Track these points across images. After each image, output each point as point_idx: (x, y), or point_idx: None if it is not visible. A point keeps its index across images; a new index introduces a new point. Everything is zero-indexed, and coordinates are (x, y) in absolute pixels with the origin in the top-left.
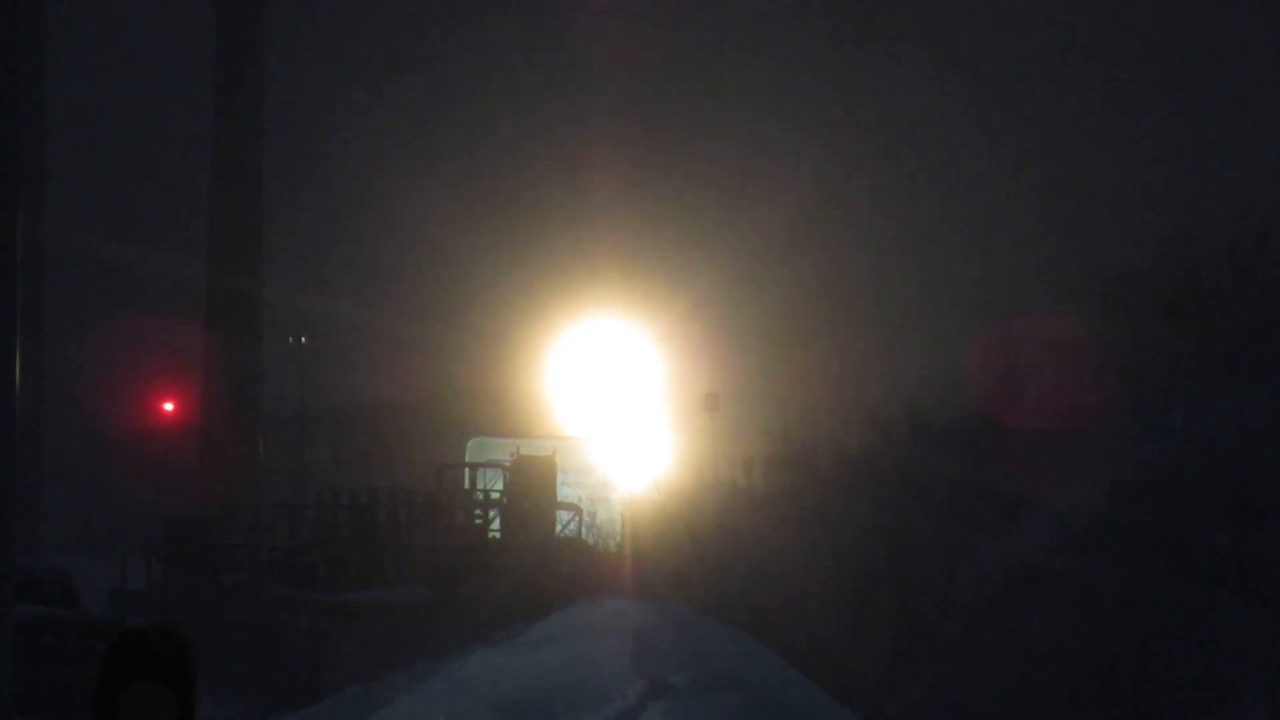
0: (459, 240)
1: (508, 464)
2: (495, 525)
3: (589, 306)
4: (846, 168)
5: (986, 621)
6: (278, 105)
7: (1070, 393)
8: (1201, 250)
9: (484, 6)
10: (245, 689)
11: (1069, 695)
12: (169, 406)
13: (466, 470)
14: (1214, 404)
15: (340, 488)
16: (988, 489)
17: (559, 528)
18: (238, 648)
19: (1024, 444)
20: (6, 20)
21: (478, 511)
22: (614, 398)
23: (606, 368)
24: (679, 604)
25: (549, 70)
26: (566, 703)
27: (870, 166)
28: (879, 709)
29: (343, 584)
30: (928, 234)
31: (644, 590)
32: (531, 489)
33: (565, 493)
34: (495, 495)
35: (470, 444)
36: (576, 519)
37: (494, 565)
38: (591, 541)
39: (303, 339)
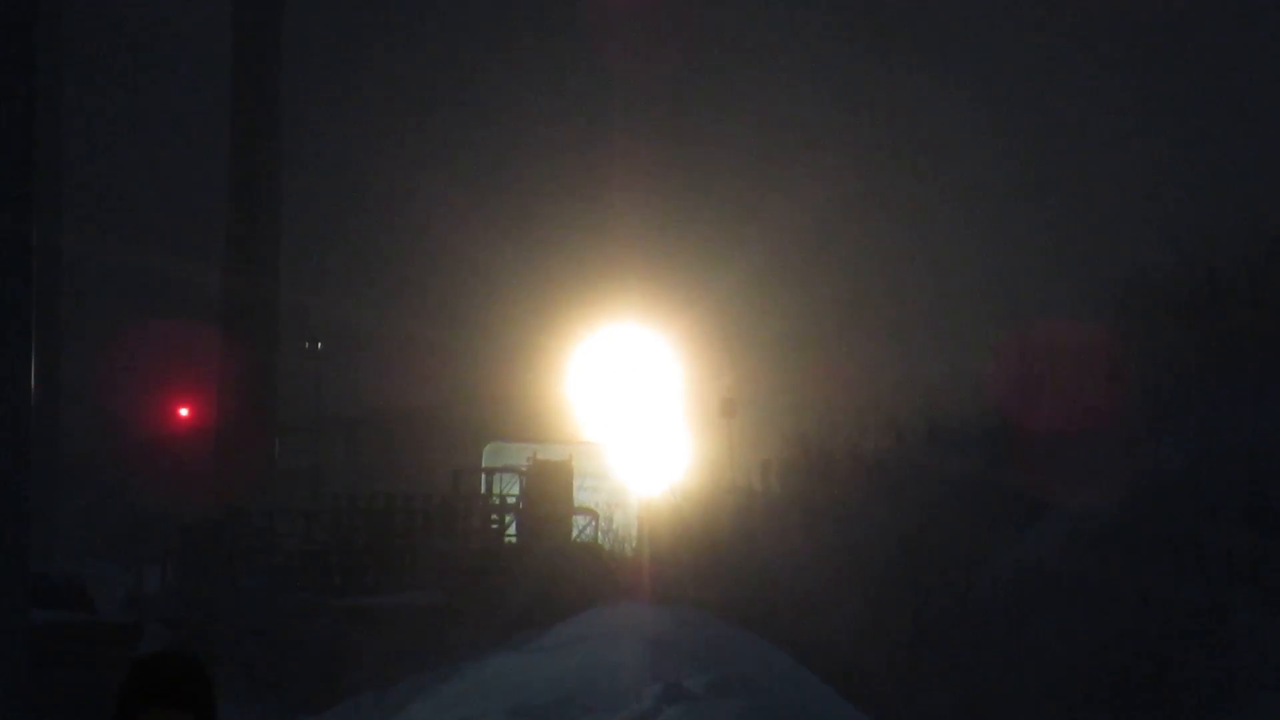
0: (478, 246)
1: (524, 469)
2: (511, 530)
3: (607, 313)
4: (863, 173)
5: (1002, 625)
6: (296, 111)
7: (1086, 396)
8: (1218, 254)
9: (509, 18)
10: (262, 693)
11: (1084, 699)
12: (185, 411)
13: (483, 475)
14: (1230, 407)
15: (357, 492)
16: (1004, 492)
17: (575, 532)
18: (254, 652)
19: (1040, 447)
20: (22, 28)
21: (494, 516)
22: (631, 403)
23: (624, 373)
24: (695, 608)
25: (572, 81)
26: (582, 707)
27: (886, 172)
28: (894, 713)
29: (359, 588)
30: (944, 238)
31: (660, 594)
32: (548, 494)
33: (582, 497)
34: (512, 500)
35: (487, 449)
36: (593, 523)
37: (510, 570)
38: (608, 546)
39: (319, 344)
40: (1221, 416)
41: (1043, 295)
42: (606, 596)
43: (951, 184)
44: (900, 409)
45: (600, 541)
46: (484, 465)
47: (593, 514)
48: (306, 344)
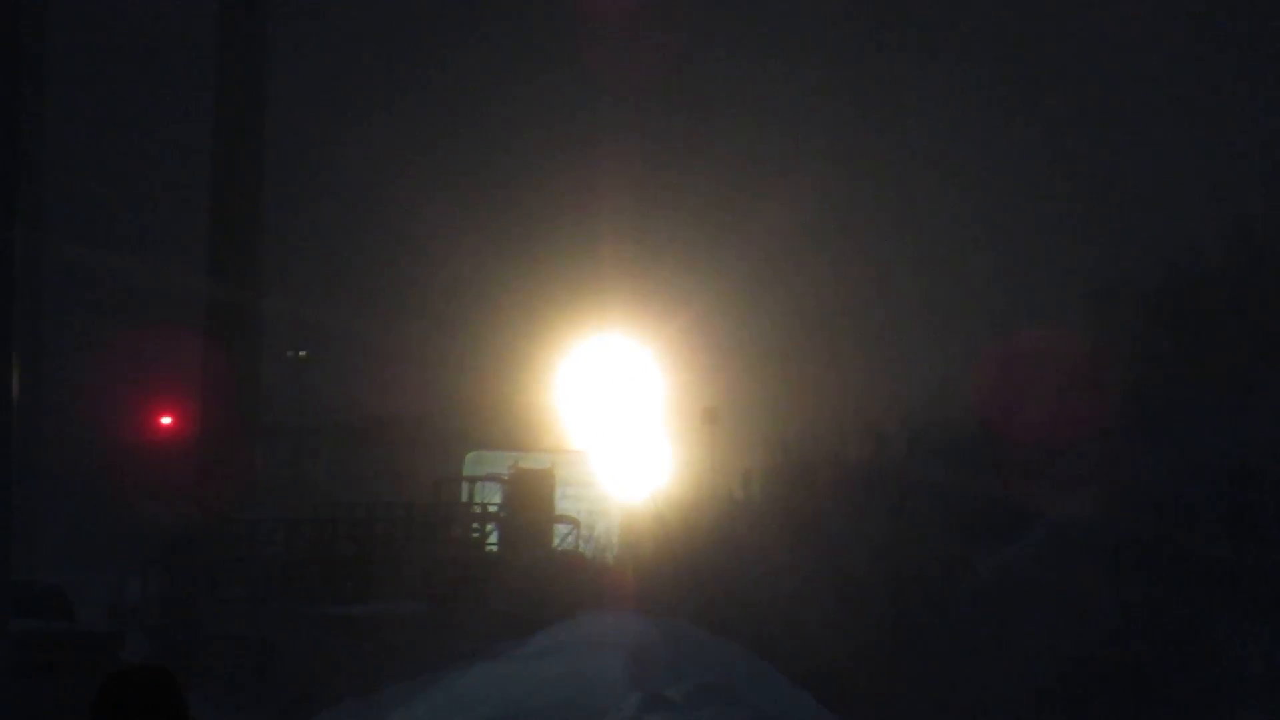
0: (461, 254)
1: (506, 477)
2: (493, 539)
3: (591, 321)
4: (845, 183)
5: (982, 633)
6: (279, 115)
7: (1067, 404)
8: (1200, 262)
9: (493, 23)
10: (243, 702)
11: (1066, 707)
12: (167, 420)
13: (464, 484)
14: (1211, 415)
15: (338, 501)
16: (985, 501)
17: (557, 541)
18: (235, 661)
19: (1021, 456)
20: (4, 39)
21: (475, 525)
22: (614, 411)
23: (607, 381)
24: (676, 617)
25: (557, 89)
26: (563, 715)
27: (869, 181)
28: None
29: (340, 597)
30: (927, 247)
31: (641, 603)
32: (530, 502)
33: (564, 505)
34: (493, 509)
35: (468, 457)
36: (575, 532)
37: (492, 578)
38: (590, 554)
39: (301, 352)
40: (1202, 425)
41: (1025, 303)
42: (588, 605)
43: (934, 192)
44: (881, 418)
45: (582, 550)
46: (465, 474)
47: (574, 522)
48: (289, 352)
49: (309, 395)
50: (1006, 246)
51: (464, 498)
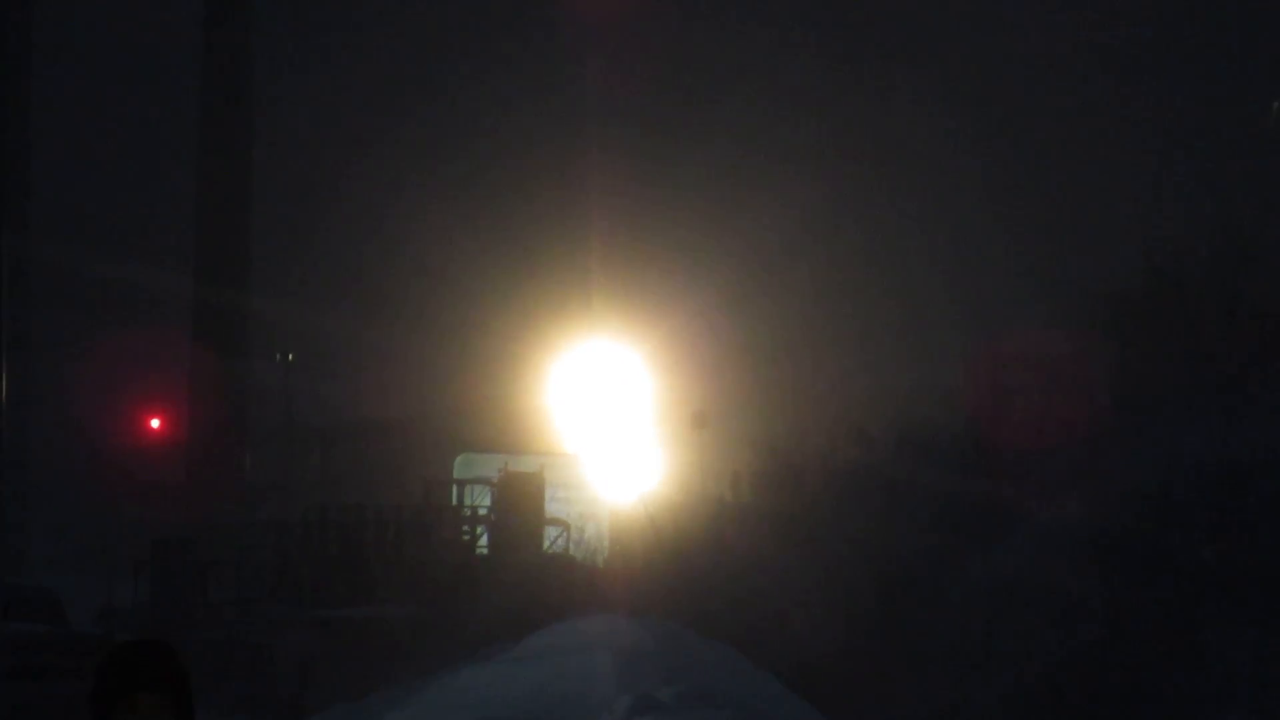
0: (451, 257)
1: (495, 480)
2: (483, 542)
3: (580, 325)
4: (833, 186)
5: (973, 636)
6: (266, 118)
7: (1057, 407)
8: (1188, 266)
9: (483, 27)
10: (234, 707)
11: (1055, 709)
12: (156, 423)
13: (454, 487)
14: (1200, 419)
15: (328, 504)
16: (975, 503)
17: (547, 544)
18: (225, 665)
19: (1011, 459)
20: None
21: (465, 528)
22: (603, 415)
23: (596, 385)
24: (666, 619)
25: (548, 95)
26: (554, 718)
27: (856, 185)
28: None
29: (330, 601)
30: (915, 249)
31: (631, 606)
32: (519, 505)
33: (554, 508)
34: (483, 511)
35: (458, 460)
36: (565, 535)
37: (482, 582)
38: (580, 557)
39: (290, 356)
40: (1191, 429)
41: (1014, 307)
42: (578, 608)
43: (922, 196)
44: (870, 420)
45: (572, 553)
46: (455, 477)
47: (564, 525)
48: (278, 355)
49: (297, 398)
50: (993, 249)
51: (454, 500)
